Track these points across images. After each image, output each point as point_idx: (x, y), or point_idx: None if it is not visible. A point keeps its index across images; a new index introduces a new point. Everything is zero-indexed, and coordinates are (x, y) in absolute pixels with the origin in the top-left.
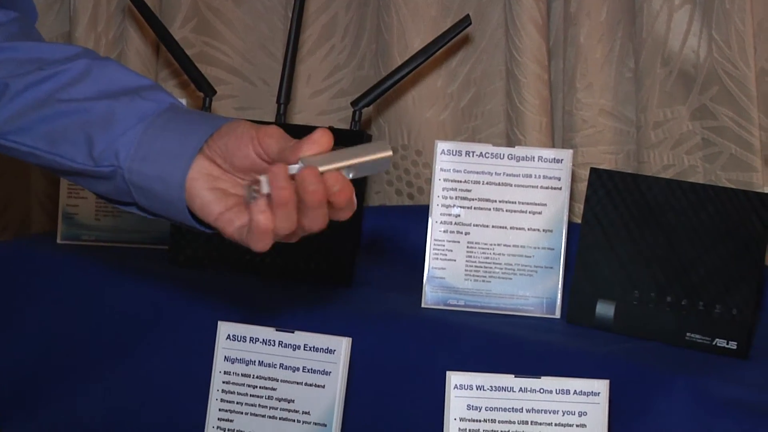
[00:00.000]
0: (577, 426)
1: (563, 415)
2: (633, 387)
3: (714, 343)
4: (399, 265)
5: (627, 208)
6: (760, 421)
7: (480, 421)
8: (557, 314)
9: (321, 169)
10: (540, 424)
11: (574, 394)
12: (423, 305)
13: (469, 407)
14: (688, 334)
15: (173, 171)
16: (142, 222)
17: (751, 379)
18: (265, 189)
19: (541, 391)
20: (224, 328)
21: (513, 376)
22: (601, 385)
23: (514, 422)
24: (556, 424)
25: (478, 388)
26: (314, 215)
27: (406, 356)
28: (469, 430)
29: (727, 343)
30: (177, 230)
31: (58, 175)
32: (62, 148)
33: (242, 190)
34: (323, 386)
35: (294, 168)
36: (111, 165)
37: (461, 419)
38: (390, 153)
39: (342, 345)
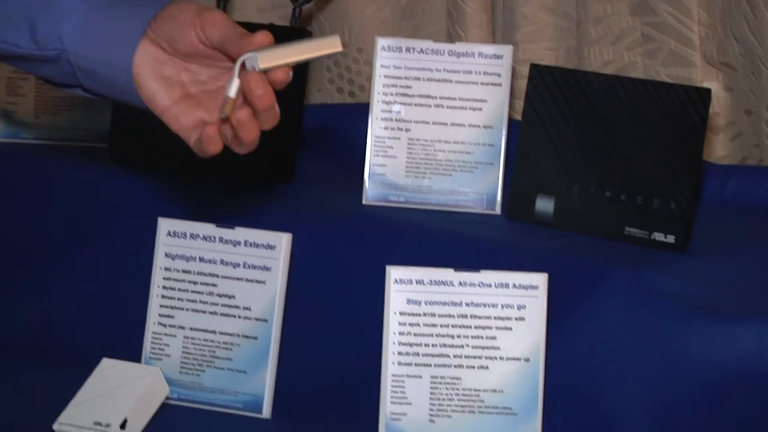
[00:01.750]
0: (516, 319)
1: (502, 308)
2: (571, 280)
3: (652, 237)
4: (340, 163)
5: (567, 104)
6: (696, 312)
7: (420, 315)
8: (497, 210)
9: (271, 65)
10: (479, 317)
11: (513, 287)
12: (364, 202)
13: (408, 301)
14: (626, 228)
15: (119, 55)
16: (82, 119)
17: (688, 272)
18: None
19: (480, 285)
20: (164, 225)
21: (452, 270)
22: (540, 279)
23: (453, 315)
24: (495, 317)
25: (418, 282)
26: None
27: (347, 252)
28: (409, 323)
29: (665, 237)
30: (117, 128)
31: (1, 62)
32: (4, 34)
33: (188, 76)
34: (264, 282)
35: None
36: (55, 48)
37: (401, 313)
38: (341, 48)
39: (282, 241)
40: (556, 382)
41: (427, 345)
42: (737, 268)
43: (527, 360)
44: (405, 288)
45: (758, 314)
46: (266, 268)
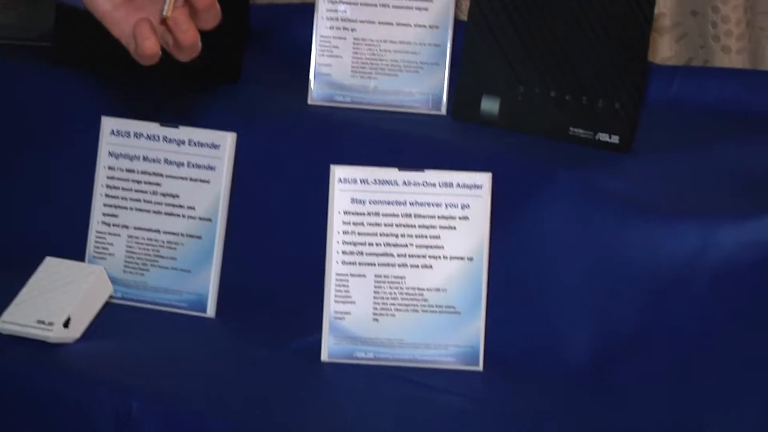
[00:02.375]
0: (459, 218)
1: (446, 207)
2: (516, 180)
3: (597, 138)
4: (286, 63)
5: (513, 3)
6: (638, 211)
7: (364, 214)
8: (443, 110)
9: None
10: (423, 216)
11: (457, 187)
12: (309, 102)
13: (353, 201)
14: (571, 128)
15: None
16: (25, 18)
17: (632, 172)
18: None
19: (425, 184)
20: (108, 124)
21: (397, 169)
22: (484, 179)
23: (397, 215)
24: (439, 217)
25: (362, 181)
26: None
27: (292, 152)
28: (353, 222)
29: (610, 137)
30: (61, 26)
31: None
32: None
33: None
34: (208, 181)
35: None
36: None
37: (345, 212)
38: None
39: (227, 140)
40: (499, 281)
41: (371, 244)
42: (681, 169)
43: (471, 259)
44: (349, 187)
45: (701, 214)
46: (210, 168)
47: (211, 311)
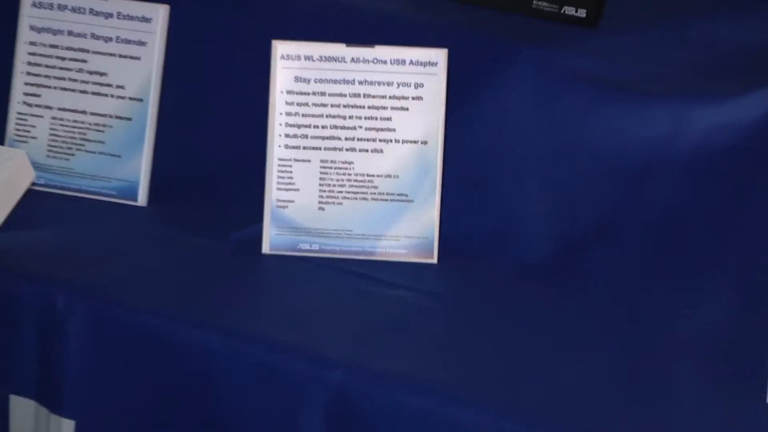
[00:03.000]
0: (413, 99)
1: (398, 87)
2: (474, 58)
3: (562, 11)
4: None
5: None
6: (606, 92)
7: (308, 93)
8: None
9: None
10: (373, 96)
11: (410, 64)
12: None
13: (297, 79)
14: (534, 1)
15: None
16: None
17: (599, 49)
18: None
19: (375, 61)
20: None
21: (344, 45)
22: (439, 55)
23: (345, 95)
24: (390, 97)
25: (307, 58)
26: None
27: (230, 25)
28: (297, 103)
29: (576, 11)
30: None
31: None
32: None
33: None
34: (139, 58)
35: None
36: None
37: (288, 92)
38: None
39: (159, 13)
40: (455, 166)
41: (316, 126)
42: (653, 44)
43: (425, 143)
44: (292, 64)
45: (674, 94)
46: (141, 43)
47: (142, 199)
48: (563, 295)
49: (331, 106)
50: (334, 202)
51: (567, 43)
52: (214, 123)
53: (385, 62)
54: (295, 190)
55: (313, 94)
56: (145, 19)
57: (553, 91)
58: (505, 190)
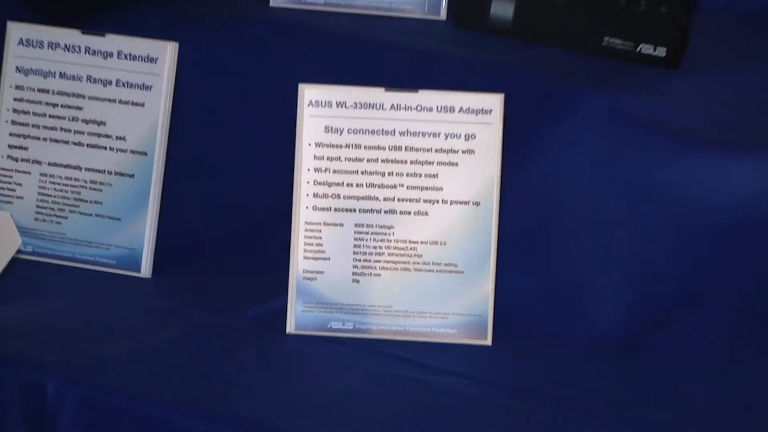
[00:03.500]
0: (463, 152)
1: (446, 138)
2: (534, 104)
3: (638, 50)
4: None
5: None
6: (686, 142)
7: (341, 146)
8: (442, 15)
9: None
10: (417, 149)
11: (460, 111)
12: (271, 3)
13: (327, 129)
14: (606, 38)
15: None
16: None
17: (680, 94)
18: None
19: (419, 108)
20: (15, 31)
21: (383, 89)
22: (494, 101)
23: (384, 147)
24: (437, 150)
25: (339, 105)
26: None
27: (249, 67)
28: (327, 157)
29: (654, 50)
30: None
31: None
32: None
33: None
34: (143, 104)
35: None
36: None
37: (318, 144)
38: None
39: (167, 52)
40: (512, 231)
41: (350, 185)
42: (742, 88)
43: (477, 204)
44: (322, 112)
45: (766, 146)
46: (146, 87)
47: (146, 270)
48: (641, 382)
49: (368, 160)
50: (370, 274)
51: (643, 87)
52: (229, 181)
53: (430, 109)
54: (324, 259)
55: (347, 146)
56: (151, 59)
57: (625, 143)
58: (569, 258)
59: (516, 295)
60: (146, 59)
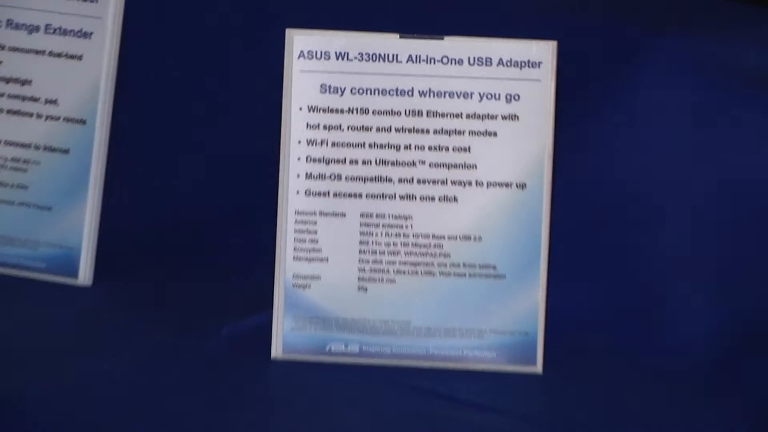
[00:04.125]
0: (503, 118)
1: (481, 100)
2: (596, 54)
3: None
4: None
5: None
6: None
7: (342, 111)
8: None
9: None
10: (443, 115)
11: (499, 65)
12: None
13: (323, 88)
14: None
15: None
16: None
17: None
18: None
19: (445, 60)
20: None
21: (397, 35)
22: (545, 51)
23: (399, 113)
24: (469, 116)
25: (339, 56)
26: None
27: (221, 6)
28: (325, 125)
29: None
30: None
31: None
32: None
33: None
34: (80, 57)
35: None
36: None
37: (311, 109)
38: None
39: None
40: (568, 223)
41: (354, 162)
42: None
43: (522, 186)
44: (318, 66)
45: None
46: (84, 34)
47: (85, 275)
48: (728, 419)
49: (377, 130)
50: (382, 279)
51: (732, 28)
52: (194, 158)
53: (460, 62)
54: (321, 260)
55: (350, 112)
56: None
57: (719, 106)
58: (642, 259)
59: (573, 307)
60: None
